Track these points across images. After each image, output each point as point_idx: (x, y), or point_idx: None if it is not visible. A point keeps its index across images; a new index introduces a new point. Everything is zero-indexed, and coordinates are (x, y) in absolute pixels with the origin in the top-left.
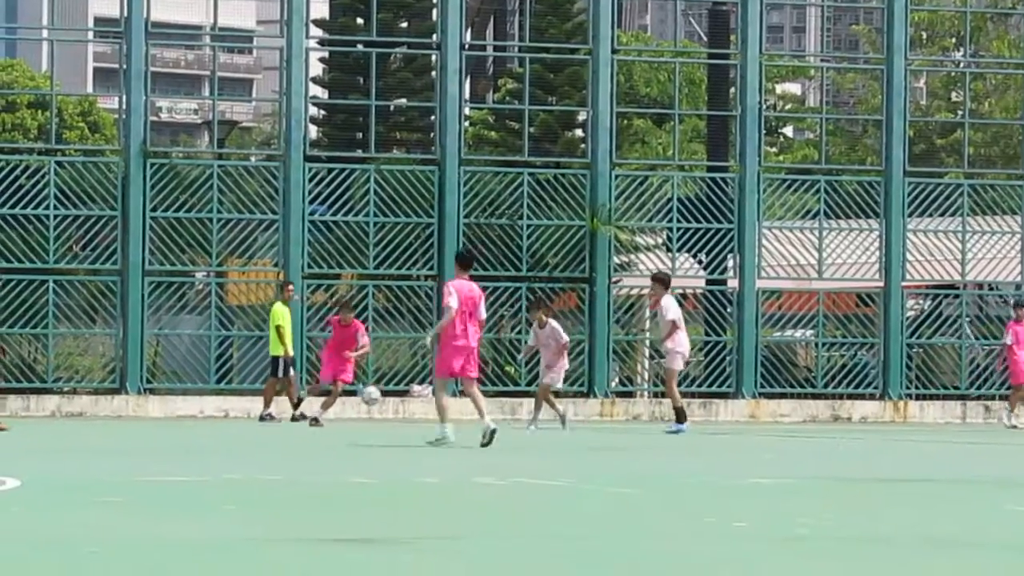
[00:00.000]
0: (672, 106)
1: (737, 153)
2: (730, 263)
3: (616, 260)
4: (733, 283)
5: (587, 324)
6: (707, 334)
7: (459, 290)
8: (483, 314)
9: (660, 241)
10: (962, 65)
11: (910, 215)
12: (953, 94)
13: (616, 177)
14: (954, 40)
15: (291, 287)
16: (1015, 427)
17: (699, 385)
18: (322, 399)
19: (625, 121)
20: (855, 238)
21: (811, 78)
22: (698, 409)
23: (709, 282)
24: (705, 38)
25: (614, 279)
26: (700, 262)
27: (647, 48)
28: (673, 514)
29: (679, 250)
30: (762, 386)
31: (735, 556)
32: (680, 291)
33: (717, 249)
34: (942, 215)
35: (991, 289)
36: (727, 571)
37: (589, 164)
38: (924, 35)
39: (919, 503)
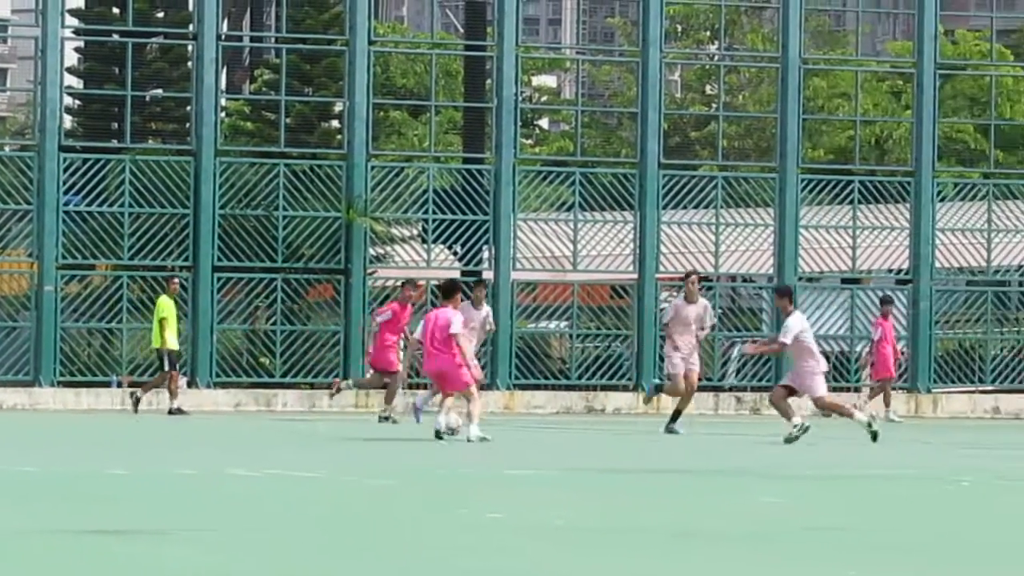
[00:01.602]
0: (428, 98)
1: (493, 145)
2: (485, 255)
3: (372, 252)
4: (488, 274)
5: (343, 315)
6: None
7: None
8: (453, 328)
9: (416, 233)
10: (716, 58)
11: (664, 207)
12: (708, 87)
13: (372, 168)
14: (709, 33)
15: (176, 281)
16: (893, 420)
17: None
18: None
19: (382, 112)
20: (610, 230)
21: (567, 70)
22: (452, 401)
23: (464, 273)
24: (461, 30)
25: (370, 270)
26: (455, 253)
27: (404, 39)
28: (428, 506)
29: (435, 242)
30: (517, 377)
31: (487, 547)
32: (436, 283)
33: (473, 241)
34: (696, 207)
35: (745, 281)
36: (475, 561)
37: (345, 155)
38: (679, 28)
39: (675, 494)
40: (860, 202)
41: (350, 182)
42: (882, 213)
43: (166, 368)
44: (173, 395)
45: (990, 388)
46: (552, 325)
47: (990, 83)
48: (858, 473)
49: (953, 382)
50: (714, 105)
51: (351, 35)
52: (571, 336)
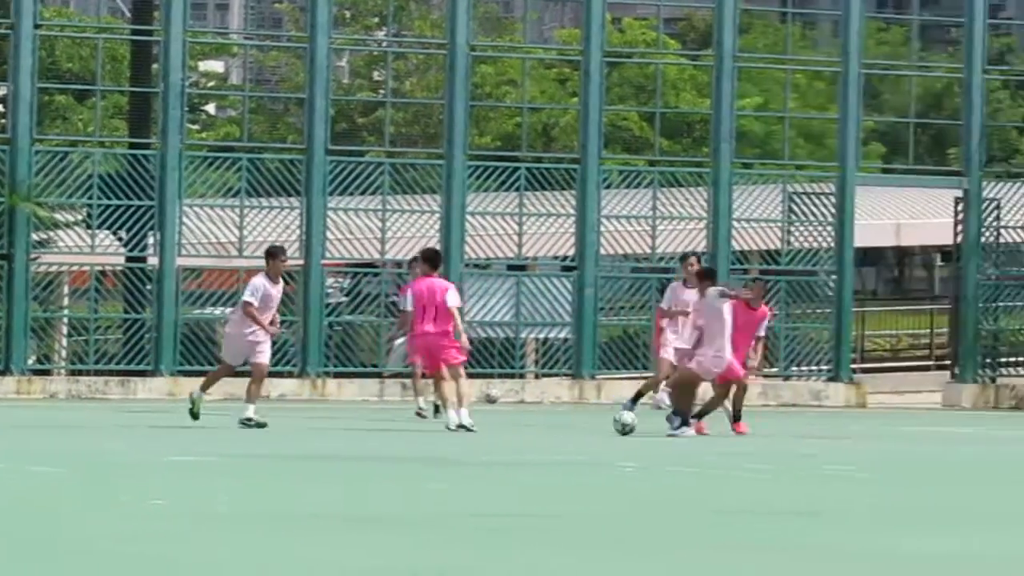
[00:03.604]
0: (94, 82)
1: (159, 130)
2: (151, 240)
3: (35, 237)
4: (153, 260)
5: (5, 301)
6: (127, 311)
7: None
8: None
9: (81, 218)
10: (384, 45)
11: (331, 193)
12: (375, 73)
13: (36, 153)
14: (377, 20)
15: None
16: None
17: (117, 363)
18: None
19: (47, 97)
20: (276, 216)
21: (234, 56)
22: (116, 387)
23: (129, 259)
24: (129, 14)
25: (32, 256)
26: (121, 239)
27: (70, 23)
28: (90, 493)
29: (100, 227)
30: (181, 364)
31: (149, 534)
32: (100, 268)
33: (138, 226)
34: (363, 194)
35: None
36: (138, 548)
37: (9, 140)
38: (348, 14)
39: (342, 481)
40: (527, 189)
41: (14, 167)
42: (548, 200)
43: None
44: None
45: (652, 374)
46: (218, 311)
47: (656, 72)
48: (524, 460)
49: (617, 368)
50: (382, 91)
51: (16, 18)
52: None
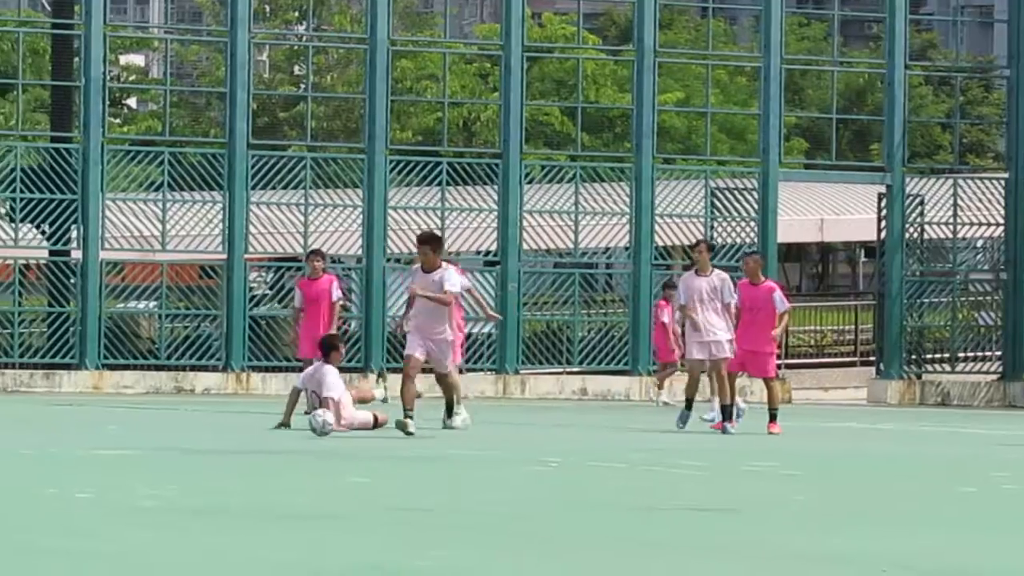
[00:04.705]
0: (16, 76)
1: (81, 124)
2: (74, 234)
3: None
4: (77, 254)
5: None
6: (51, 305)
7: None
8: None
9: (3, 212)
10: (305, 39)
11: (253, 188)
12: (296, 68)
13: None
14: (297, 14)
15: None
16: (667, 404)
17: (42, 356)
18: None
19: None
20: (199, 210)
21: (155, 49)
22: (41, 380)
23: (52, 253)
24: (49, 8)
25: None
26: (43, 233)
27: None
28: (15, 485)
29: (22, 220)
30: (105, 357)
31: (75, 527)
32: (23, 261)
33: (61, 220)
34: (285, 188)
35: (334, 262)
36: (63, 541)
37: None
38: (267, 8)
39: (264, 475)
40: (448, 184)
41: None
42: (470, 195)
43: None
44: None
45: (577, 370)
46: (141, 305)
47: (576, 66)
48: (446, 454)
49: (541, 363)
50: (302, 86)
51: None
52: (160, 316)
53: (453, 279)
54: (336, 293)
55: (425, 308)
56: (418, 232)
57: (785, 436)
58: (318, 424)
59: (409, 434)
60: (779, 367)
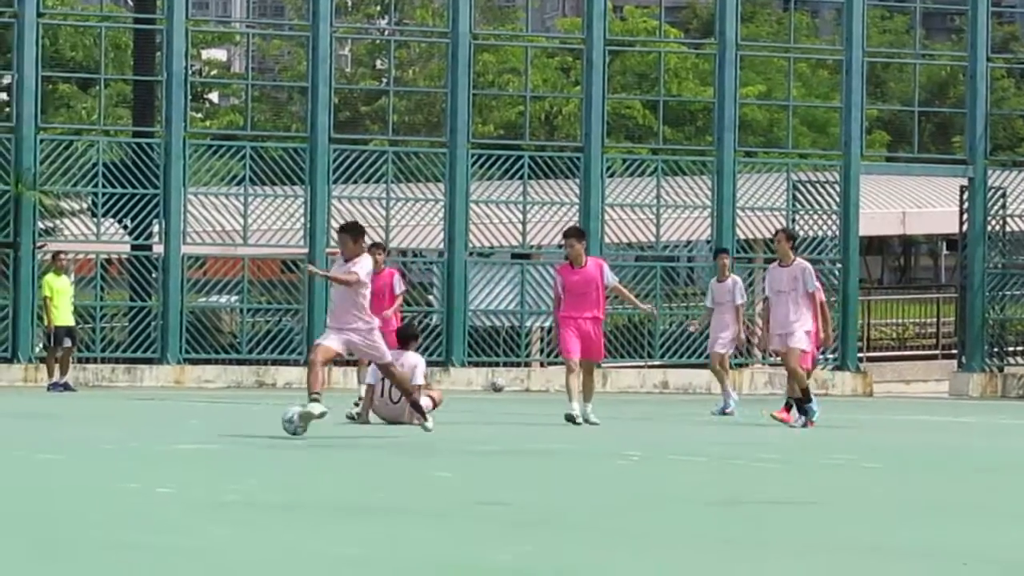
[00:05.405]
0: (98, 71)
1: (163, 118)
2: (156, 228)
3: (41, 225)
4: (159, 248)
5: (11, 289)
6: (132, 299)
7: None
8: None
9: (85, 206)
10: (387, 33)
11: (335, 182)
12: (378, 62)
13: (41, 142)
14: (379, 8)
15: (63, 256)
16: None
17: (124, 351)
18: None
19: (51, 85)
20: (280, 204)
21: (237, 44)
22: (123, 375)
23: (134, 247)
24: (131, 3)
25: (39, 244)
26: (125, 227)
27: (73, 12)
28: (97, 480)
29: (105, 215)
30: (187, 352)
31: (157, 521)
32: (105, 256)
33: (143, 214)
34: (367, 182)
35: (415, 256)
36: (145, 536)
37: (14, 129)
38: (349, 2)
39: (348, 469)
40: (530, 177)
41: (19, 155)
42: (552, 188)
43: (52, 344)
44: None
45: (658, 363)
46: (223, 299)
47: (658, 60)
48: (527, 449)
49: (623, 357)
50: (384, 80)
51: (20, 7)
52: (241, 310)
53: (364, 264)
54: (399, 286)
55: (338, 296)
56: (496, 224)
57: (865, 429)
58: (289, 425)
59: (321, 415)
60: (860, 359)
